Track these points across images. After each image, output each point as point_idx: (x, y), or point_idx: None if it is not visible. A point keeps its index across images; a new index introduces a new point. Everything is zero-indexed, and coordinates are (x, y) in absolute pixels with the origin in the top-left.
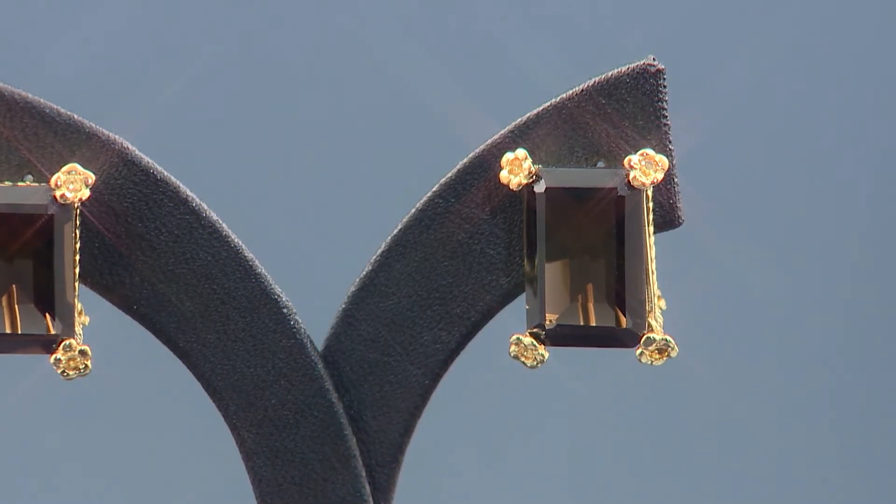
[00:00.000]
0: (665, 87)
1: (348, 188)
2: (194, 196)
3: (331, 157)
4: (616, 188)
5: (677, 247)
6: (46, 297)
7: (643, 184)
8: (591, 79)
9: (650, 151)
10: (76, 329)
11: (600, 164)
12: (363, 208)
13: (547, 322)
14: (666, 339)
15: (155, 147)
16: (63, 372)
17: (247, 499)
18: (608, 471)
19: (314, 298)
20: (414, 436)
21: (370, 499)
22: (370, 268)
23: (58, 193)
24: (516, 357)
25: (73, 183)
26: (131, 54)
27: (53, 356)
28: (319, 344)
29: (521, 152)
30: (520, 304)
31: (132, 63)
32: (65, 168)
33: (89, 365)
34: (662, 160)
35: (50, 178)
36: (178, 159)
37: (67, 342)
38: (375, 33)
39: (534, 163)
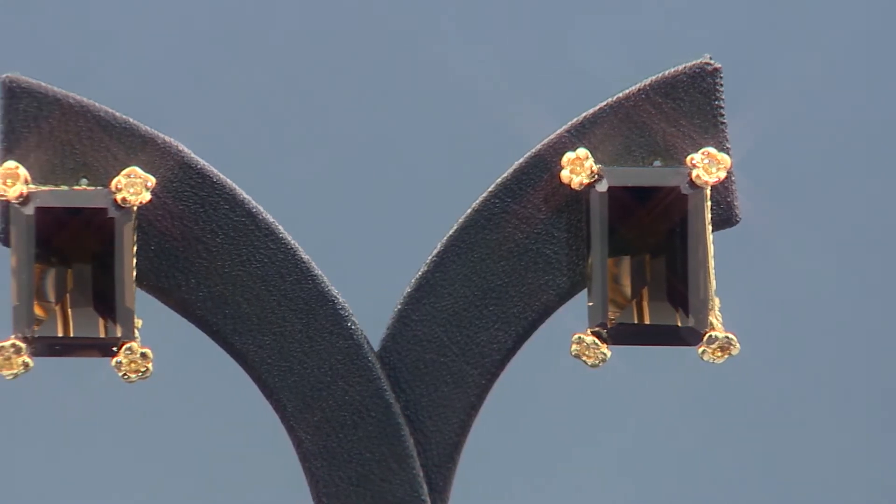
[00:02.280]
0: (722, 85)
1: (405, 188)
2: (250, 198)
3: (387, 157)
4: (678, 187)
5: (733, 245)
6: (103, 301)
7: (706, 182)
8: (648, 77)
9: (712, 150)
10: (136, 332)
11: (657, 163)
12: (419, 208)
13: (609, 321)
14: (728, 337)
15: (211, 150)
16: (124, 375)
17: (304, 500)
18: (669, 470)
19: (370, 299)
20: (470, 435)
21: (427, 499)
22: (426, 268)
23: (118, 197)
24: (577, 356)
25: (134, 186)
26: (188, 58)
27: (115, 359)
28: (376, 345)
29: (582, 152)
30: (574, 303)
31: (190, 67)
32: (124, 171)
33: (150, 368)
34: (724, 158)
35: (107, 182)
36: (233, 162)
37: (129, 345)
38: (435, 29)
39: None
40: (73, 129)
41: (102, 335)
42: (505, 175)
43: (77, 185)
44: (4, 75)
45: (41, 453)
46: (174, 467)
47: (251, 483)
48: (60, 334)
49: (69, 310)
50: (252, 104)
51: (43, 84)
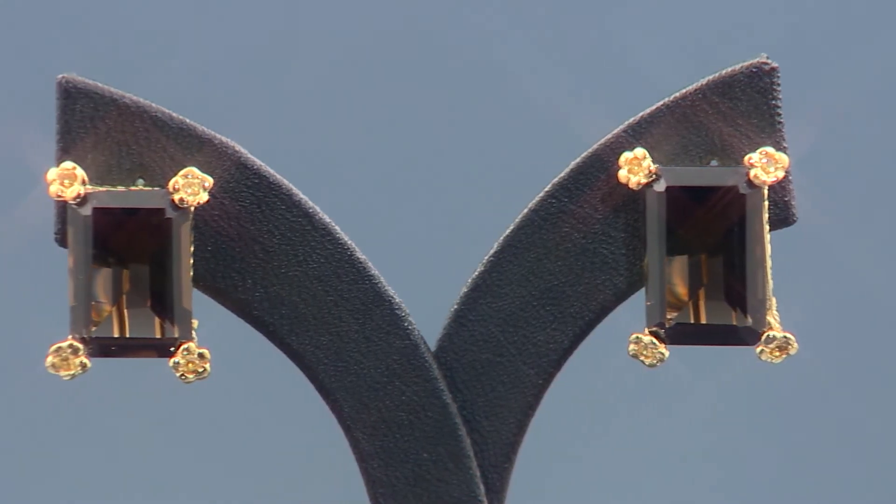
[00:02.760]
0: (778, 85)
1: (461, 188)
2: (307, 199)
3: (443, 156)
4: (737, 186)
5: (789, 245)
6: (159, 301)
7: (764, 182)
8: (705, 77)
9: (770, 149)
10: (193, 332)
11: (713, 162)
12: (476, 208)
13: (667, 320)
14: (786, 337)
15: (267, 150)
16: (182, 375)
17: (361, 501)
18: (725, 469)
19: (427, 299)
20: (526, 435)
21: (484, 499)
22: (483, 268)
23: (176, 197)
24: (635, 356)
25: (191, 187)
26: (244, 59)
27: (173, 359)
28: (432, 345)
29: (640, 151)
30: (631, 302)
31: (245, 67)
32: (182, 172)
33: (208, 368)
34: (783, 158)
35: (164, 182)
36: (290, 162)
37: (186, 346)
38: (492, 29)
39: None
40: (130, 130)
41: (158, 336)
42: (562, 175)
43: (133, 185)
44: (61, 76)
45: (101, 454)
46: (231, 468)
47: (308, 483)
48: (116, 335)
49: (125, 310)
50: (308, 104)
51: (99, 84)
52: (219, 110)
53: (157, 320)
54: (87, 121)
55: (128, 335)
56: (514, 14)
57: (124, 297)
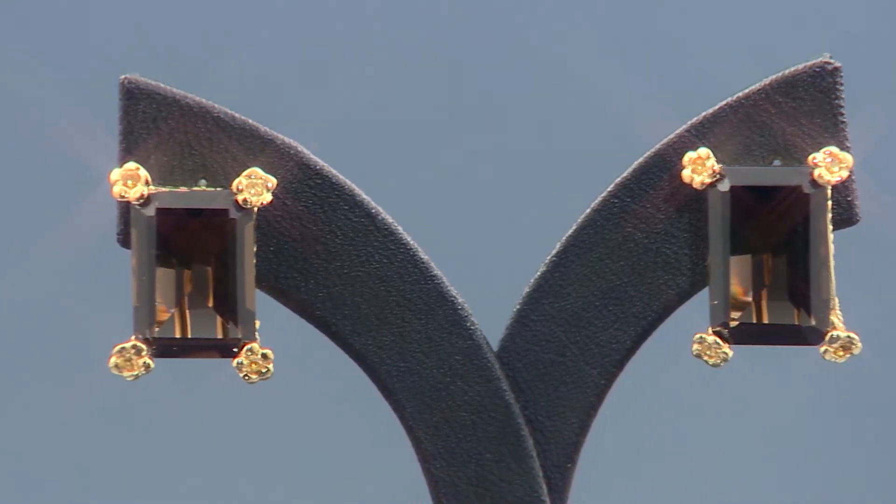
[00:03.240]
0: (842, 84)
1: (523, 187)
2: (369, 199)
3: (506, 155)
4: (800, 186)
5: (853, 244)
6: (221, 301)
7: (828, 182)
8: (768, 77)
9: (834, 149)
10: (257, 332)
11: (776, 162)
12: (538, 208)
13: (731, 320)
14: (850, 336)
15: (329, 151)
16: (245, 375)
17: (423, 501)
18: (789, 470)
19: (489, 299)
20: (589, 435)
21: (547, 499)
22: (545, 268)
23: (240, 197)
24: (699, 356)
25: (255, 187)
26: (305, 58)
27: (236, 360)
28: (494, 345)
29: (704, 151)
30: (693, 302)
31: (306, 67)
32: (245, 172)
33: (271, 368)
34: (846, 157)
35: (226, 183)
36: (352, 162)
37: (250, 346)
38: (555, 29)
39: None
40: (192, 131)
41: (220, 336)
42: (624, 174)
43: (196, 186)
44: (123, 77)
45: (164, 454)
46: (293, 469)
47: (370, 484)
48: (178, 335)
49: (187, 311)
50: (370, 105)
51: (161, 85)
52: (280, 110)
53: (218, 321)
54: (150, 121)
55: (189, 336)
56: (578, 13)
57: (186, 297)
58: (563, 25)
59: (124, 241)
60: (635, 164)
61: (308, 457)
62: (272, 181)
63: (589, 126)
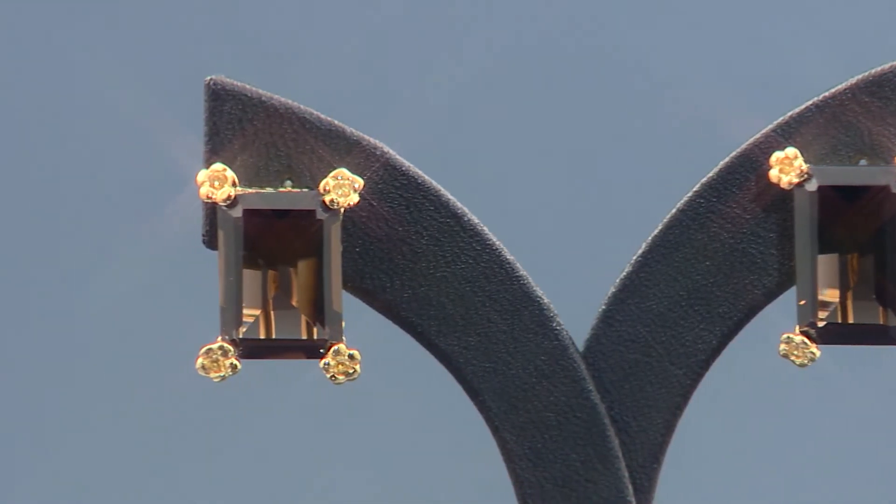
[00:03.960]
0: None
1: (608, 188)
2: (455, 200)
3: (592, 156)
4: (888, 186)
5: None
6: (307, 302)
7: None
8: (854, 76)
9: None
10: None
11: (862, 161)
12: (623, 208)
13: (818, 320)
14: None
15: (414, 151)
16: (332, 376)
17: (509, 502)
18: (878, 472)
19: (574, 300)
20: (674, 435)
21: (633, 499)
22: (631, 268)
23: (327, 198)
24: (786, 355)
25: (342, 188)
26: (390, 59)
27: (323, 361)
28: (579, 345)
29: (791, 151)
30: (779, 301)
31: (392, 68)
32: (332, 173)
33: (358, 369)
34: None
35: (311, 184)
36: (437, 163)
37: (336, 347)
38: (640, 27)
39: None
40: (278, 132)
41: (305, 337)
42: (710, 174)
43: (281, 187)
44: (209, 78)
45: (250, 453)
46: (378, 469)
47: (456, 484)
48: (263, 336)
49: (271, 312)
50: (456, 104)
51: (247, 86)
52: (365, 111)
53: (303, 321)
54: (236, 123)
55: (274, 337)
56: (664, 13)
57: (271, 298)
58: (651, 25)
59: (209, 242)
60: (721, 163)
61: (393, 457)
62: (359, 182)
63: (675, 126)
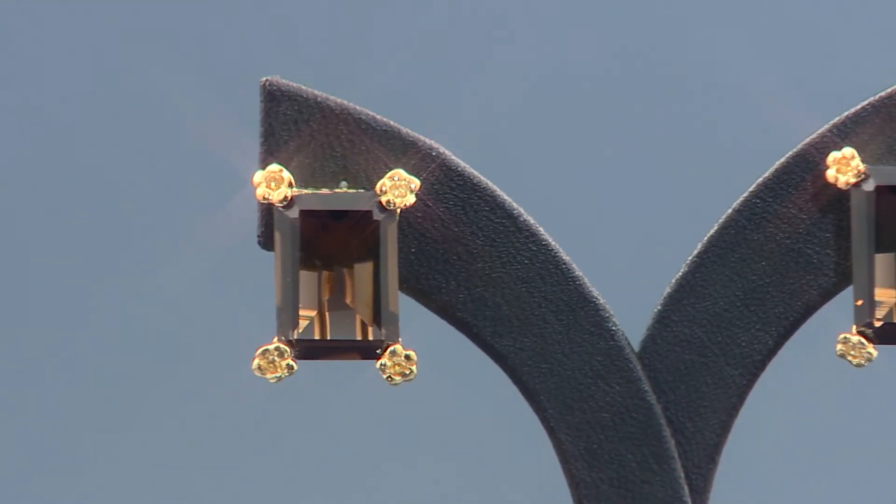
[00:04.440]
0: None
1: (664, 187)
2: (511, 200)
3: (647, 155)
4: None
5: None
6: (362, 303)
7: None
8: None
9: None
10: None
11: None
12: (679, 208)
13: (876, 320)
14: None
15: (470, 152)
16: (389, 377)
17: (564, 502)
18: None
19: (629, 300)
20: (730, 436)
21: (689, 500)
22: (686, 269)
23: (384, 199)
24: (843, 356)
25: (398, 189)
26: (447, 59)
27: (380, 361)
28: (635, 346)
29: (849, 151)
30: (835, 302)
31: (449, 68)
32: (389, 174)
33: (415, 370)
34: None
35: (367, 184)
36: (492, 163)
37: (393, 347)
38: (697, 26)
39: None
40: (334, 133)
41: (359, 337)
42: (766, 174)
43: (336, 188)
44: (265, 79)
45: (308, 455)
46: (434, 470)
47: (511, 485)
48: (318, 337)
49: (326, 312)
50: (510, 105)
51: (303, 87)
52: (420, 111)
53: (358, 322)
54: (291, 124)
55: (329, 337)
56: (722, 12)
57: (326, 299)
58: (708, 24)
59: (265, 243)
60: (777, 164)
61: (448, 457)
62: (416, 183)
63: (730, 125)
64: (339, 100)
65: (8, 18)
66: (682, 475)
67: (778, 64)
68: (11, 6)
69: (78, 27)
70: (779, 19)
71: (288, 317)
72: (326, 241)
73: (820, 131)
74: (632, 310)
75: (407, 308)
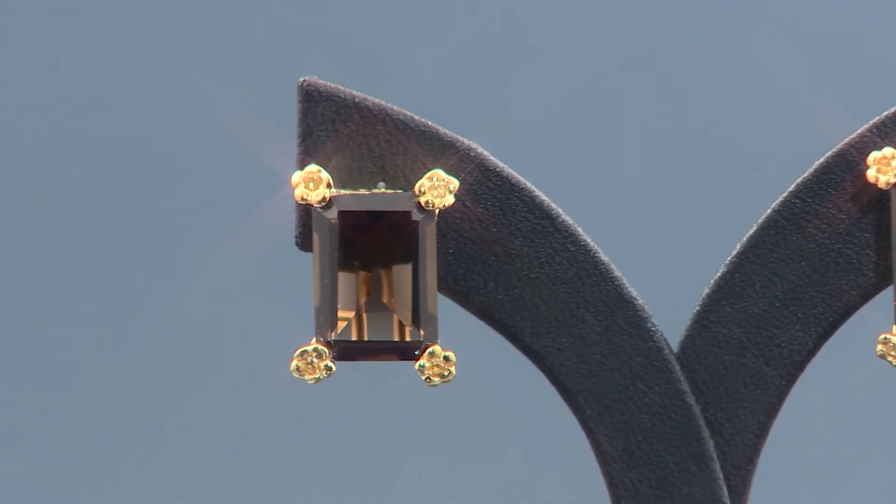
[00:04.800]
0: None
1: (703, 188)
2: (549, 200)
3: (685, 155)
4: None
5: None
6: (400, 303)
7: None
8: None
9: None
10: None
11: None
12: (718, 209)
13: None
14: None
15: (508, 152)
16: (427, 378)
17: (602, 503)
18: None
19: (668, 301)
20: (769, 437)
21: (727, 501)
22: (725, 269)
23: (422, 200)
24: (883, 356)
25: (437, 189)
26: (485, 60)
27: (418, 363)
28: (674, 346)
29: (889, 151)
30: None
31: (487, 70)
32: (428, 174)
33: (454, 371)
34: None
35: (405, 185)
36: (531, 164)
37: (432, 349)
38: (735, 26)
39: None
40: (372, 133)
41: (397, 338)
42: (806, 174)
43: (374, 188)
44: (302, 79)
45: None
46: (470, 470)
47: (549, 486)
48: (356, 338)
49: (364, 313)
50: (549, 106)
51: (341, 88)
52: (458, 112)
53: (395, 323)
54: (329, 124)
55: (367, 338)
56: (761, 12)
57: (364, 300)
58: (747, 24)
59: (302, 243)
60: (817, 163)
61: (487, 458)
62: (455, 183)
63: (770, 125)
64: (376, 100)
65: (50, 17)
66: (721, 476)
67: (818, 65)
68: (55, 4)
69: (119, 26)
70: (817, 19)
71: (326, 318)
72: (365, 242)
73: (860, 131)
74: (671, 310)
75: (445, 309)
